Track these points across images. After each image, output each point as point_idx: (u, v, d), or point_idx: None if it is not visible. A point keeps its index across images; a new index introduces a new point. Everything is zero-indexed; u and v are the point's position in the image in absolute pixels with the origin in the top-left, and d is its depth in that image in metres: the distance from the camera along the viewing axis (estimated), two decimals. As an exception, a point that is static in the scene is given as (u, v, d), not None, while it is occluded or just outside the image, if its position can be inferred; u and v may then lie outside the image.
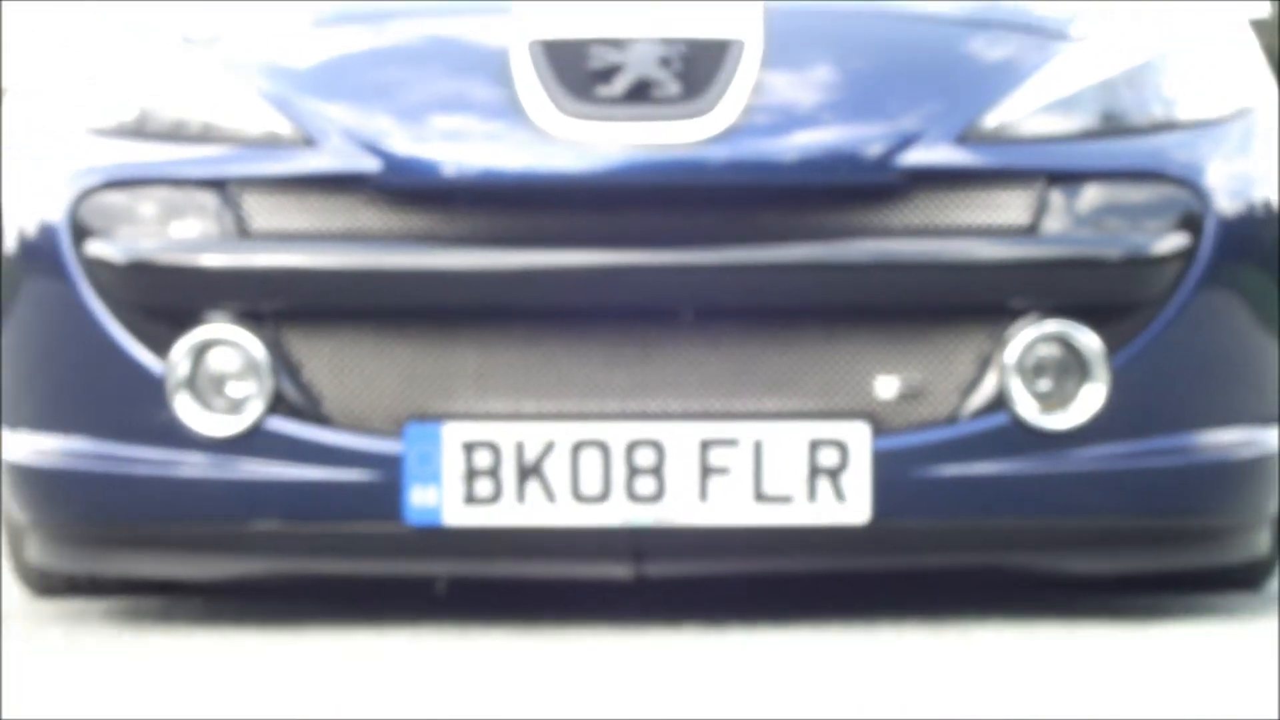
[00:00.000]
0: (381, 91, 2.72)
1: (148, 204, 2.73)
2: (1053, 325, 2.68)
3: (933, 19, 2.83)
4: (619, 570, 2.71)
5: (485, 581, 2.86)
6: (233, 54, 2.77)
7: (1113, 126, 2.75)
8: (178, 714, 1.98)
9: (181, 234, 2.71)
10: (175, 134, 2.75)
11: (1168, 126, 2.77)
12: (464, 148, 2.69)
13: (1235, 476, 2.76)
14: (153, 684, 2.28)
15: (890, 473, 2.64)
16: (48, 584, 3.00)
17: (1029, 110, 2.73)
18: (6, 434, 2.82)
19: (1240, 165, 2.78)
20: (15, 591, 3.05)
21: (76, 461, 2.74)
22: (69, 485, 2.75)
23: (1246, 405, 2.77)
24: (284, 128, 2.71)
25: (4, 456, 2.82)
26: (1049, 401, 2.69)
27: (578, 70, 2.68)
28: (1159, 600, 2.97)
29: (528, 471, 2.62)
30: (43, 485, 2.77)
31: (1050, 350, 2.69)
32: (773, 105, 2.69)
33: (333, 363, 2.69)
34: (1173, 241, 2.71)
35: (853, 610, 2.83)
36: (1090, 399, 2.69)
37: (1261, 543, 2.86)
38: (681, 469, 2.62)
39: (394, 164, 2.67)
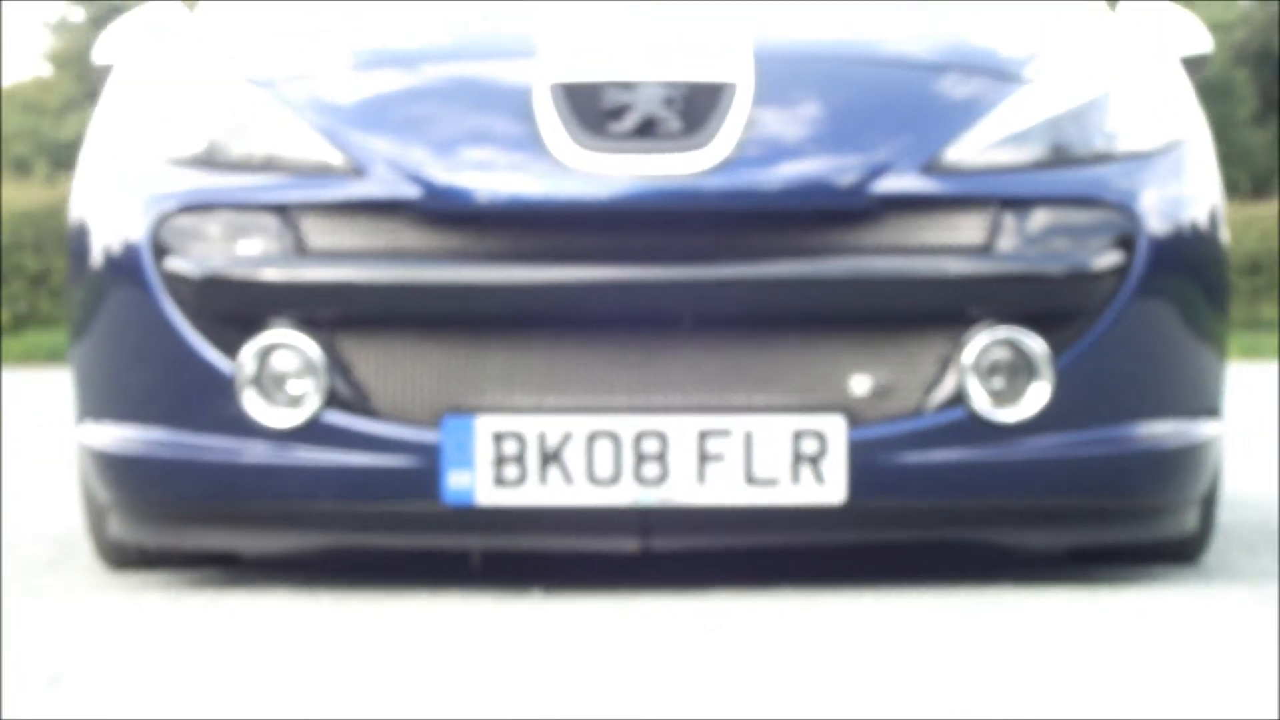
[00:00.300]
0: (420, 126, 3.07)
1: (218, 225, 3.09)
2: (1004, 331, 3.02)
3: (902, 63, 3.19)
4: (628, 544, 3.04)
5: (512, 554, 3.23)
6: (289, 93, 3.12)
7: (1058, 158, 3.10)
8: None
9: (247, 251, 3.06)
10: (241, 164, 3.11)
11: (1107, 158, 3.12)
12: (493, 176, 3.02)
13: (1166, 463, 3.11)
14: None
15: (863, 459, 2.98)
16: (124, 558, 3.35)
17: (985, 144, 3.07)
18: (89, 425, 3.17)
19: (1171, 191, 3.13)
20: (95, 565, 3.44)
21: (155, 449, 3.09)
22: (148, 470, 3.10)
23: (1176, 400, 3.13)
24: (336, 159, 3.06)
25: (88, 444, 3.17)
26: (1001, 398, 3.04)
27: (592, 109, 3.02)
28: (1104, 571, 3.31)
29: (549, 458, 2.95)
30: (124, 470, 3.12)
31: (1002, 353, 3.03)
32: (762, 140, 3.03)
33: (379, 363, 3.04)
34: (1109, 259, 3.06)
35: (832, 579, 3.17)
36: (1037, 395, 3.04)
37: (1191, 521, 3.22)
38: (682, 456, 2.96)
39: (432, 190, 3.01)
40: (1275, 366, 17.32)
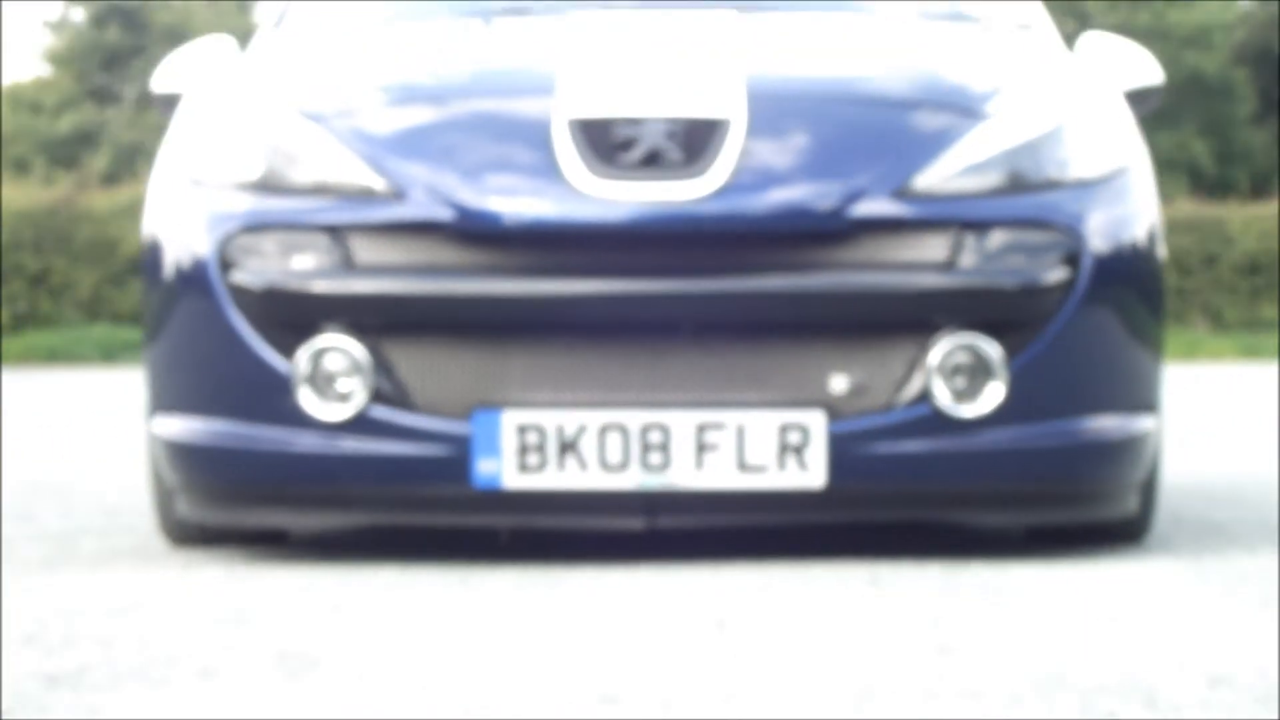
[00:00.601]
0: (453, 155, 3.44)
1: (276, 243, 3.45)
2: (965, 338, 3.39)
3: (878, 100, 3.61)
4: (634, 523, 3.43)
5: (534, 531, 3.64)
6: (336, 125, 3.50)
7: (1014, 185, 3.46)
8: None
9: (302, 266, 3.43)
10: (296, 189, 3.48)
11: (1057, 185, 3.49)
12: (516, 201, 3.39)
13: (1109, 452, 3.49)
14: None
15: (841, 449, 3.36)
16: (187, 535, 3.72)
17: (949, 173, 3.44)
18: (161, 417, 3.56)
19: (1113, 213, 3.51)
20: (157, 539, 3.85)
21: (219, 439, 3.48)
22: (212, 457, 3.49)
23: (1117, 397, 3.51)
24: (379, 184, 3.43)
25: (159, 434, 3.56)
26: (962, 395, 3.41)
27: (604, 142, 3.39)
28: (1055, 549, 3.68)
29: (566, 447, 3.32)
30: (191, 456, 3.51)
31: (963, 356, 3.40)
32: (753, 169, 3.39)
33: (418, 364, 3.40)
34: (1057, 274, 3.43)
35: (812, 553, 3.56)
36: (994, 394, 3.41)
37: (1132, 504, 3.60)
38: (682, 445, 3.33)
39: (464, 212, 3.38)
40: (1275, 366, 17.32)
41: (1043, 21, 4.17)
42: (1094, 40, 4.22)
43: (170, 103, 4.07)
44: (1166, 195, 27.01)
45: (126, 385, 14.03)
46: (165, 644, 2.71)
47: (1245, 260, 21.68)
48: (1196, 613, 2.95)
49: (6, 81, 41.98)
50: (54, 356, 20.19)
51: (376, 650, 2.65)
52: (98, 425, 8.76)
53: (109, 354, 20.25)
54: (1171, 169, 31.86)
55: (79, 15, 38.83)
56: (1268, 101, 34.29)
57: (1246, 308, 21.72)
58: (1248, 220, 21.88)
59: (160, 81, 4.20)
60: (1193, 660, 2.49)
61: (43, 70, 39.58)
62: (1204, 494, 5.05)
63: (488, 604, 3.02)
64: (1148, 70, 4.14)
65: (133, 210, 21.32)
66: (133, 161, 33.01)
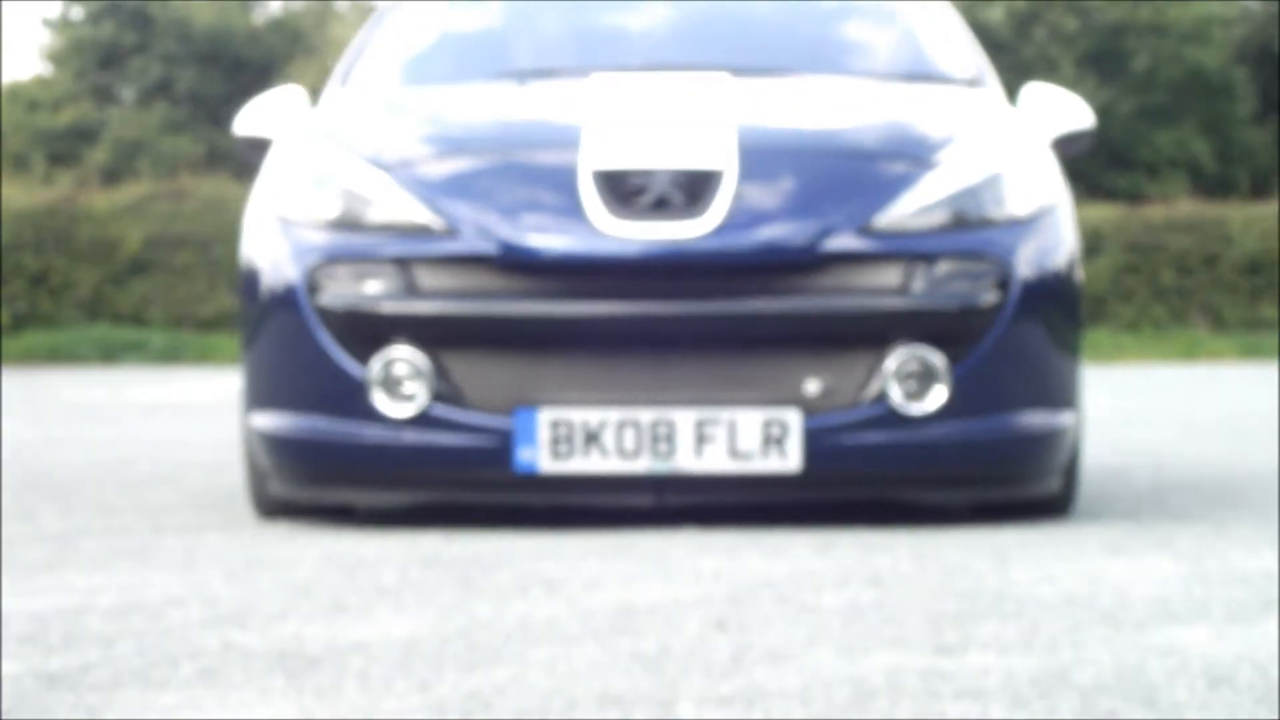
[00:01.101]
0: (496, 199, 4.12)
1: (352, 271, 4.12)
2: (915, 349, 4.06)
3: (846, 152, 4.28)
4: (645, 499, 4.12)
5: (564, 507, 4.21)
6: (399, 173, 4.18)
7: (958, 223, 4.14)
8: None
9: (374, 290, 4.10)
10: (367, 227, 4.16)
11: (993, 223, 4.17)
12: (548, 237, 4.06)
13: (1035, 443, 4.17)
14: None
15: (814, 440, 4.02)
16: (275, 509, 4.35)
17: (905, 213, 4.11)
18: (256, 412, 4.24)
19: (1038, 245, 4.19)
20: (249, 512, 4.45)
21: (305, 431, 4.15)
22: (299, 445, 4.17)
23: (1042, 397, 4.18)
24: (435, 223, 4.10)
25: (255, 426, 4.23)
26: (912, 396, 4.07)
27: (620, 189, 4.08)
28: (993, 522, 4.30)
29: (590, 438, 3.99)
30: (281, 445, 4.19)
31: (913, 364, 4.06)
32: (743, 211, 4.06)
33: (469, 371, 4.08)
34: (991, 297, 4.11)
35: (789, 523, 4.20)
36: (938, 395, 4.08)
37: (1056, 484, 4.28)
38: (685, 437, 3.99)
39: (505, 247, 4.06)
40: (1276, 366, 17.32)
41: (991, 78, 4.91)
42: (1034, 90, 4.96)
43: (250, 144, 4.86)
44: (1167, 194, 27.05)
45: (126, 385, 14.03)
46: (165, 644, 2.71)
47: (1245, 260, 21.67)
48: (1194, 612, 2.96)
49: (6, 80, 41.91)
50: (54, 356, 20.19)
51: (377, 650, 2.65)
52: (97, 425, 8.77)
53: (109, 354, 20.26)
54: (1172, 168, 31.86)
55: (78, 14, 38.82)
56: (1268, 101, 34.29)
57: (1247, 308, 21.72)
58: (1248, 220, 21.86)
59: (241, 125, 4.93)
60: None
61: (42, 69, 39.56)
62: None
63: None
64: (1080, 116, 4.88)
65: (133, 210, 21.33)
66: (133, 158, 32.97)
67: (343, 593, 3.20)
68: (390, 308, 4.07)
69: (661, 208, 4.05)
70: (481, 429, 4.03)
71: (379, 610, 3.01)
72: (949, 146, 4.26)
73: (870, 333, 4.06)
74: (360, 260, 4.12)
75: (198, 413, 10.00)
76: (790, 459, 3.99)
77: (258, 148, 4.76)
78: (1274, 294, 21.75)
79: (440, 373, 4.06)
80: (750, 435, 3.98)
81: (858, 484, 4.12)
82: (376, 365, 4.07)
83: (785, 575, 3.39)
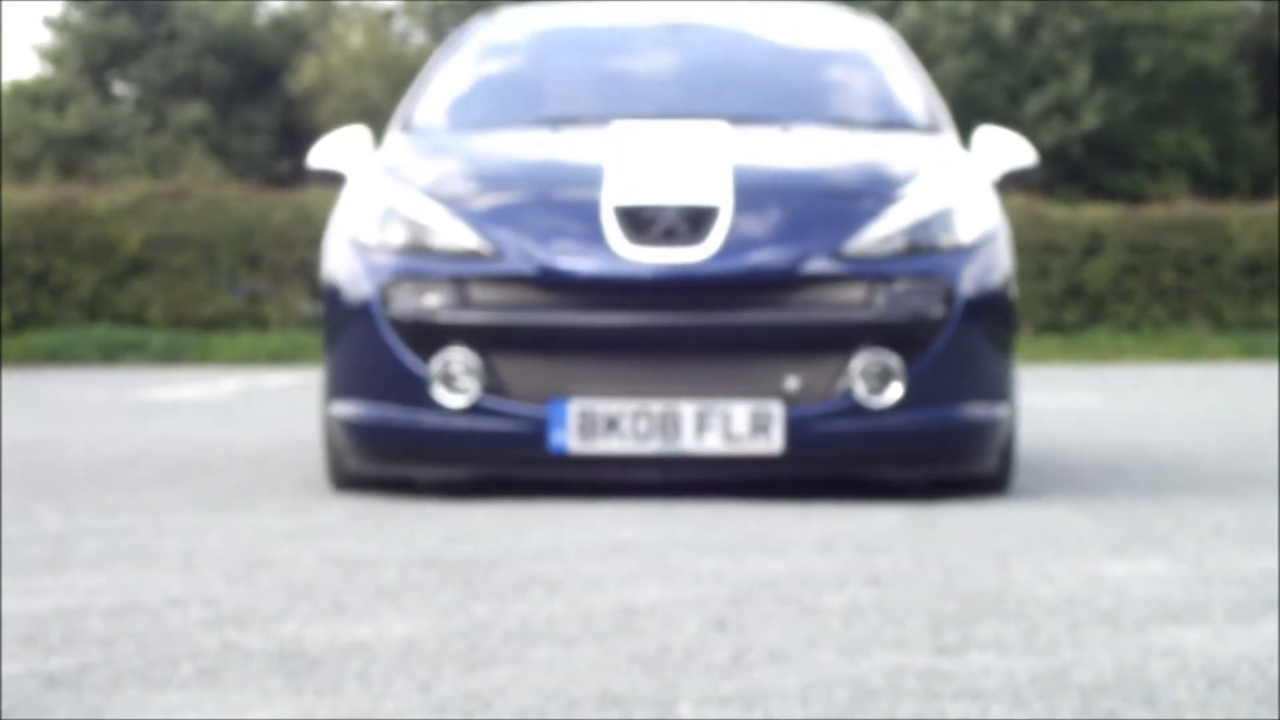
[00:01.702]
0: (534, 227, 4.93)
1: (417, 287, 4.94)
2: (876, 353, 4.86)
3: (822, 189, 5.11)
4: (654, 475, 4.96)
5: (590, 481, 4.96)
6: (454, 206, 5.01)
7: (913, 250, 4.95)
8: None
9: (434, 304, 4.91)
10: (428, 250, 4.98)
11: (943, 250, 4.99)
12: (576, 260, 4.88)
13: (975, 429, 4.96)
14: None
15: (792, 427, 4.81)
16: (349, 482, 5.15)
17: (869, 241, 4.92)
18: (336, 402, 5.05)
19: (980, 266, 5.02)
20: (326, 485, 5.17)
21: (376, 418, 4.97)
22: (371, 429, 4.98)
23: (981, 392, 4.98)
24: (484, 248, 4.92)
25: (335, 414, 5.05)
26: (874, 391, 4.86)
27: (636, 221, 4.90)
28: (941, 497, 4.91)
29: (611, 424, 4.80)
30: (356, 428, 5.01)
31: (874, 366, 4.86)
32: (736, 239, 4.88)
33: (513, 369, 4.88)
34: (938, 310, 4.91)
35: (773, 495, 4.99)
36: (895, 391, 4.87)
37: (994, 464, 5.05)
38: (688, 424, 4.81)
39: (541, 268, 4.87)
40: (1276, 366, 17.31)
41: (948, 125, 5.78)
42: (986, 133, 5.86)
43: (323, 175, 5.76)
44: (1167, 194, 27.04)
45: (126, 385, 14.03)
46: (165, 644, 2.71)
47: (1245, 260, 21.66)
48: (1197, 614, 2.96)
49: (7, 78, 41.86)
50: (54, 356, 20.18)
51: (376, 650, 2.65)
52: (97, 425, 8.76)
53: (109, 354, 20.25)
54: (1173, 167, 31.85)
55: (78, 16, 38.78)
56: (1268, 101, 34.27)
57: (1247, 308, 21.69)
58: (1248, 220, 21.83)
59: (314, 159, 5.80)
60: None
61: (42, 69, 39.51)
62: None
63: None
64: (1024, 154, 5.79)
65: (133, 210, 21.33)
66: (165, 168, 32.85)
67: (343, 593, 3.20)
68: (447, 317, 4.89)
69: (670, 237, 4.88)
70: (522, 416, 4.85)
71: (379, 610, 3.01)
72: (907, 185, 5.10)
73: (839, 339, 4.87)
74: (422, 278, 4.94)
75: (199, 412, 10.00)
76: (773, 442, 4.81)
77: (330, 179, 5.73)
78: (1274, 294, 21.73)
79: (489, 370, 4.88)
80: (741, 422, 4.81)
81: (828, 463, 4.91)
82: (436, 364, 4.90)
83: (785, 575, 3.39)
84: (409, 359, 4.91)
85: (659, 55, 6.15)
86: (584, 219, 4.92)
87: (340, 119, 37.13)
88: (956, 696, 2.30)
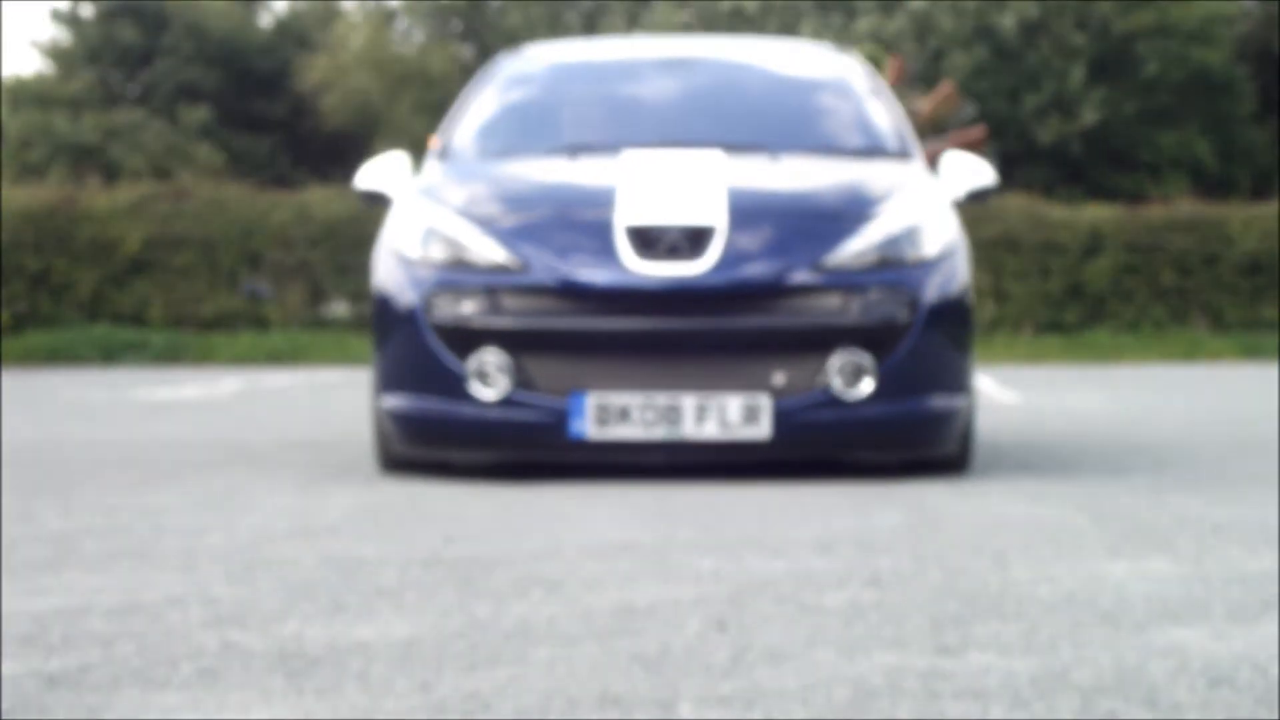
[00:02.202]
0: (554, 243, 5.59)
1: (455, 297, 5.60)
2: (850, 353, 5.51)
3: (806, 210, 5.77)
4: (660, 457, 5.56)
5: (606, 463, 5.60)
6: (486, 225, 5.68)
7: (883, 263, 5.60)
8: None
9: (469, 311, 5.57)
10: (465, 265, 5.64)
11: (909, 263, 5.64)
12: (591, 272, 5.52)
13: (937, 417, 5.63)
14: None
15: (779, 416, 5.46)
16: (396, 464, 5.86)
17: (846, 255, 5.58)
18: (385, 395, 5.74)
19: (942, 276, 5.68)
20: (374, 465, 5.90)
21: (419, 409, 5.64)
22: (415, 418, 5.66)
23: (942, 385, 5.64)
24: (512, 262, 5.58)
25: (383, 405, 5.74)
26: (849, 386, 5.51)
27: (644, 239, 5.56)
28: (908, 476, 5.75)
29: (623, 414, 5.45)
30: (402, 418, 5.69)
31: (849, 363, 5.51)
32: (730, 254, 5.54)
33: (540, 366, 5.53)
34: (905, 315, 5.57)
35: (762, 476, 5.60)
36: (867, 385, 5.52)
37: (955, 448, 5.74)
38: (689, 414, 5.45)
39: (562, 279, 5.52)
40: (1276, 366, 17.31)
41: (917, 152, 6.52)
42: (951, 157, 6.52)
43: (367, 196, 6.47)
44: (1168, 195, 27.04)
45: (126, 385, 14.02)
46: (165, 644, 2.71)
47: (1245, 260, 21.66)
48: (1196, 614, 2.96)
49: (7, 74, 41.78)
50: (54, 356, 20.18)
51: (377, 650, 2.65)
52: (97, 425, 8.76)
53: (109, 354, 20.25)
54: (1174, 168, 31.83)
55: (88, 10, 38.74)
56: (1268, 101, 34.25)
57: (1247, 308, 21.70)
58: (1248, 220, 21.84)
59: (360, 180, 6.51)
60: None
61: (44, 66, 39.44)
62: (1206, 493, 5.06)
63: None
64: (986, 175, 6.46)
65: (133, 210, 21.32)
66: (168, 168, 32.83)
67: (343, 593, 3.20)
68: (481, 322, 5.55)
69: (673, 253, 5.53)
70: (547, 407, 5.49)
71: (379, 610, 3.01)
72: (879, 206, 5.76)
73: (818, 341, 5.52)
74: (459, 289, 5.60)
75: (199, 412, 10.00)
76: (762, 429, 5.45)
77: (374, 200, 6.45)
78: (1274, 294, 21.74)
79: (517, 368, 5.53)
80: (734, 412, 5.46)
81: (810, 448, 5.56)
82: (472, 362, 5.55)
83: (785, 575, 3.39)
84: (448, 358, 5.59)
85: (663, 88, 6.93)
86: (599, 237, 5.57)
87: (341, 117, 37.17)
88: (956, 696, 2.30)
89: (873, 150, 6.45)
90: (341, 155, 37.51)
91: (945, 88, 30.14)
